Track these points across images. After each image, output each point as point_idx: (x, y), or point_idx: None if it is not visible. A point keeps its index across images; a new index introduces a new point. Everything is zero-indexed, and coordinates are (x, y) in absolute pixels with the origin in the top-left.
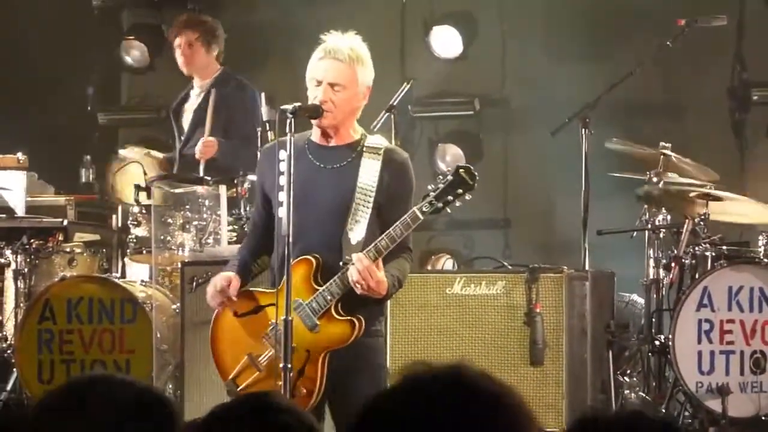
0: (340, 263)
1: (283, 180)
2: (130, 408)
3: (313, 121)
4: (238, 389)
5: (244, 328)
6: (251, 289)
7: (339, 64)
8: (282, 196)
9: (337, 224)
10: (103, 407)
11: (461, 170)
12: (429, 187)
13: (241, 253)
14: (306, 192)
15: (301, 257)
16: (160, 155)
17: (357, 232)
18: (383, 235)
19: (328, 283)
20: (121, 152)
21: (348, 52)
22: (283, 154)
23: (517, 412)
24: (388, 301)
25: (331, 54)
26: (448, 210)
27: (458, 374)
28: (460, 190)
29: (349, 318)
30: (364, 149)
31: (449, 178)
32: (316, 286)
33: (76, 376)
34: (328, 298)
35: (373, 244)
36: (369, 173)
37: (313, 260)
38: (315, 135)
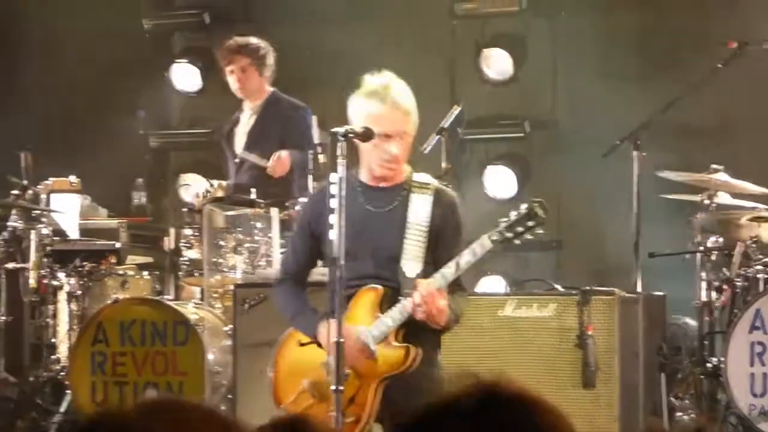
0: (399, 297)
1: (333, 203)
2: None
3: (377, 170)
4: None
5: (304, 356)
6: None
7: (403, 116)
8: (332, 219)
9: (392, 265)
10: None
11: (535, 204)
12: (501, 220)
13: (301, 296)
14: (360, 236)
15: (369, 286)
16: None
17: (412, 267)
18: (450, 263)
19: (389, 310)
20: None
21: (409, 104)
22: (333, 177)
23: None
24: None
25: (395, 105)
26: (517, 242)
27: (496, 390)
28: (532, 223)
29: (405, 345)
30: (412, 186)
31: (522, 210)
32: (380, 315)
33: (144, 400)
34: (389, 323)
35: (439, 271)
36: (420, 211)
37: (381, 289)
38: (364, 175)
